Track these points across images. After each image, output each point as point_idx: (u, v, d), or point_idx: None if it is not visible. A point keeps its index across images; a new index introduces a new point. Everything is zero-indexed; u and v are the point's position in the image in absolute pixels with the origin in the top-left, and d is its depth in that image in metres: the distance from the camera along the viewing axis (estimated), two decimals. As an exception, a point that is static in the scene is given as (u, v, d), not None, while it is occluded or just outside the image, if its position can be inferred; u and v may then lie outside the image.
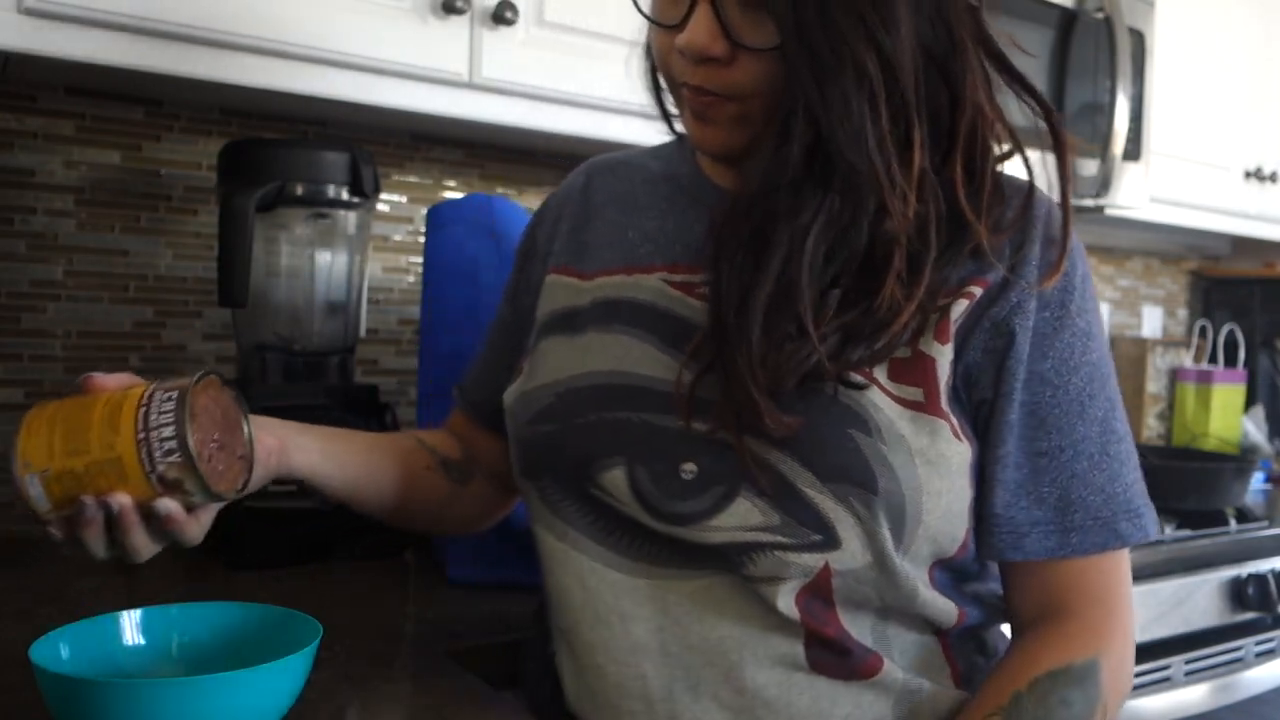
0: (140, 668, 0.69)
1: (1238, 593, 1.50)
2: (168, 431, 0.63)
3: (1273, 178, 2.10)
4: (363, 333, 1.27)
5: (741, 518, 0.69)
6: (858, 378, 0.69)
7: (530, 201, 1.58)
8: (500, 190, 1.56)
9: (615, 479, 0.73)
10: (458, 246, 1.11)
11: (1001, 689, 0.71)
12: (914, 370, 0.71)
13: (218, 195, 1.16)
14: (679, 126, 0.83)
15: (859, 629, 0.72)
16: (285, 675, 0.63)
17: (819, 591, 0.70)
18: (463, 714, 0.72)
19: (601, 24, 1.27)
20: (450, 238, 1.12)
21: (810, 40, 0.64)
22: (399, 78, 1.15)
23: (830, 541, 0.68)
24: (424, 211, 1.35)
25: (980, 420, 0.73)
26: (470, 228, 1.11)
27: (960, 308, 0.71)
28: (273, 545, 1.09)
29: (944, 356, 0.71)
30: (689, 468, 0.71)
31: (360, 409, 1.17)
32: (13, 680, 0.72)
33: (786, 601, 0.70)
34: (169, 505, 0.66)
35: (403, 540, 1.18)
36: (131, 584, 1.04)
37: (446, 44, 1.16)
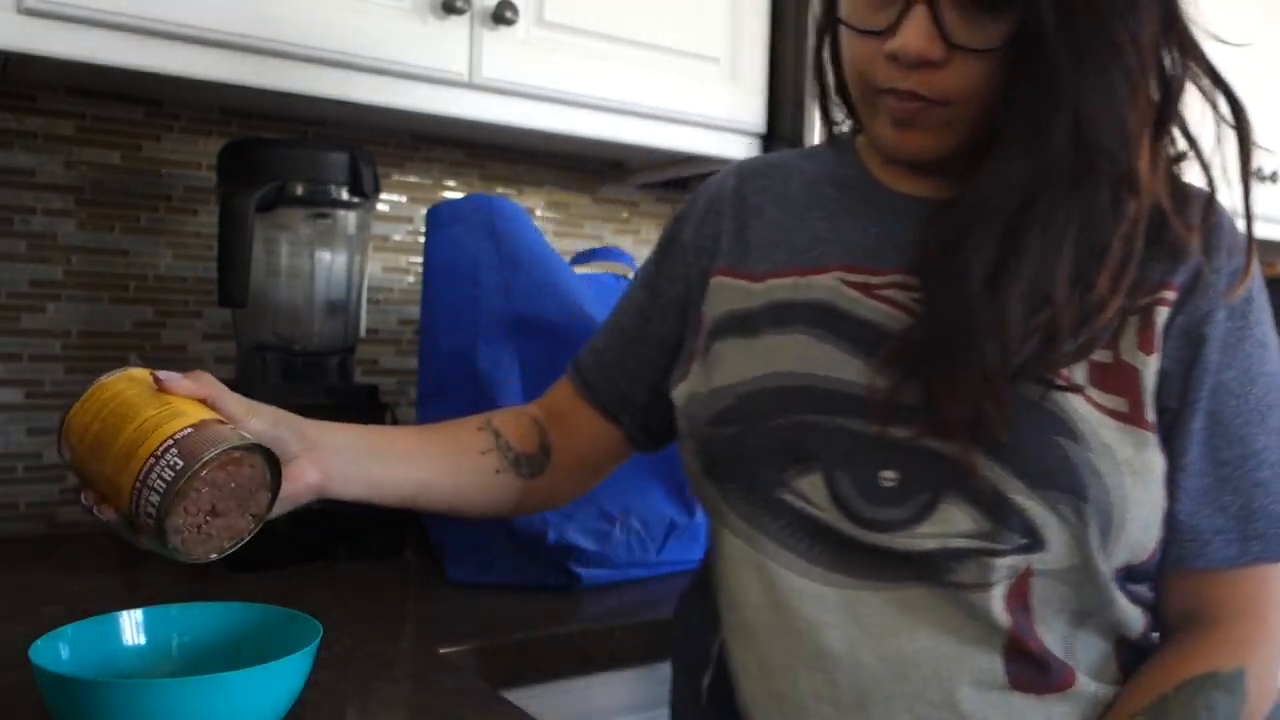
0: (140, 668, 0.69)
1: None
2: (154, 498, 0.64)
3: (1273, 177, 2.10)
4: (363, 333, 1.27)
5: (948, 524, 0.69)
6: (1069, 399, 0.69)
7: (530, 201, 1.58)
8: (500, 190, 1.56)
9: (814, 484, 0.72)
10: (458, 246, 1.11)
11: (1148, 690, 0.71)
12: (1116, 378, 0.71)
13: (218, 195, 1.16)
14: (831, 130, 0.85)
15: (1053, 639, 0.72)
16: (285, 675, 0.63)
17: (1020, 596, 0.70)
18: (463, 714, 0.72)
19: (601, 24, 1.27)
20: (450, 238, 1.12)
21: (1075, 30, 0.64)
22: (399, 78, 1.15)
23: (1036, 544, 0.69)
24: (424, 211, 1.35)
25: (1163, 427, 0.73)
26: (470, 228, 1.11)
27: (1163, 315, 0.72)
28: (273, 545, 1.09)
29: (1149, 367, 0.71)
30: (889, 474, 0.71)
31: (360, 409, 1.17)
32: (13, 680, 0.72)
33: (999, 606, 0.69)
34: (145, 543, 0.67)
35: (403, 540, 1.18)
36: (132, 584, 1.04)
37: (446, 44, 1.16)
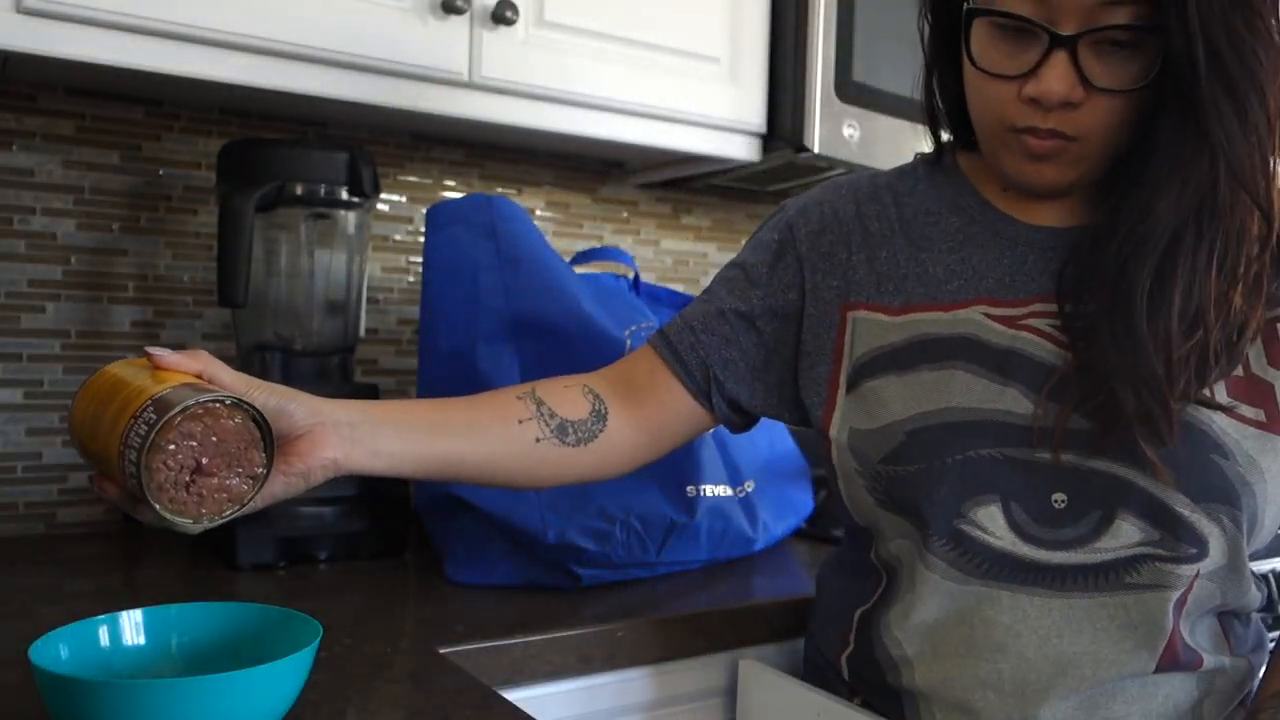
0: (140, 668, 0.69)
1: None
2: (132, 455, 0.63)
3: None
4: (362, 333, 1.27)
5: (1124, 537, 0.76)
6: (1217, 413, 0.77)
7: (530, 202, 1.58)
8: (500, 190, 1.56)
9: (991, 515, 0.78)
10: (457, 246, 1.11)
11: None
12: (1253, 392, 0.79)
13: (217, 195, 1.16)
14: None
15: (1188, 630, 0.80)
16: (285, 675, 0.63)
17: (1184, 600, 0.78)
18: (463, 714, 0.72)
19: (601, 24, 1.27)
20: (450, 238, 1.12)
21: (1224, 73, 0.69)
22: (399, 78, 1.15)
23: (1202, 553, 0.76)
24: (424, 211, 1.35)
25: None
26: (470, 228, 1.11)
27: None
28: (272, 545, 1.09)
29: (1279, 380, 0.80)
30: (1059, 497, 0.77)
31: (360, 409, 1.17)
32: (12, 680, 0.73)
33: (1170, 610, 0.77)
34: (146, 514, 0.67)
35: (403, 540, 1.18)
36: (132, 584, 1.04)
37: (446, 44, 1.16)
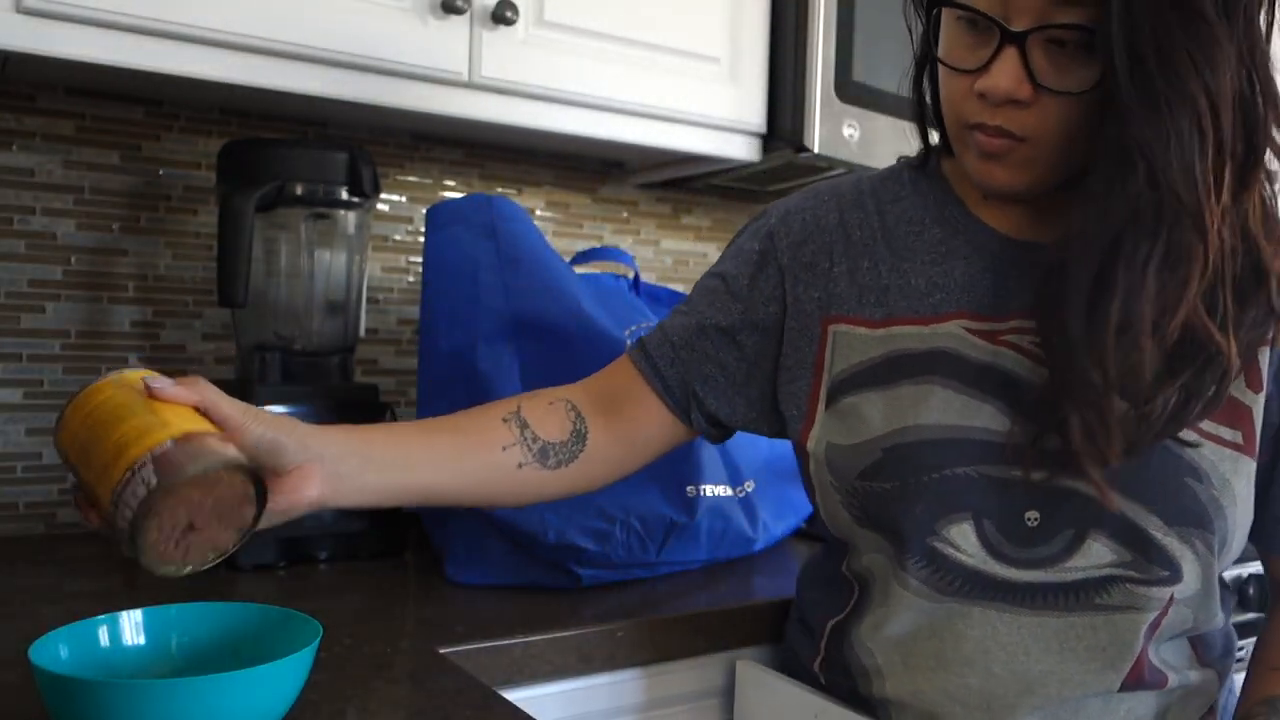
0: (140, 668, 0.69)
1: (1238, 593, 1.49)
2: (127, 514, 0.63)
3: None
4: (362, 333, 1.27)
5: (1095, 557, 0.77)
6: (1192, 436, 0.76)
7: (530, 201, 1.58)
8: (500, 190, 1.56)
9: (963, 533, 0.78)
10: (458, 246, 1.11)
11: None
12: (1230, 414, 0.78)
13: (217, 195, 1.16)
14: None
15: (1154, 652, 0.80)
16: (285, 675, 0.63)
17: (1157, 623, 0.78)
18: (463, 714, 0.72)
19: (601, 24, 1.27)
20: (450, 238, 1.12)
21: (1147, 80, 0.67)
22: (399, 78, 1.15)
23: (1175, 576, 0.77)
24: (424, 211, 1.35)
25: (1265, 440, 0.81)
26: (470, 227, 1.11)
27: (1265, 356, 0.80)
28: (272, 545, 1.09)
29: (1258, 404, 0.80)
30: (1032, 515, 0.77)
31: (360, 409, 1.17)
32: (12, 680, 0.72)
33: (1142, 632, 0.77)
34: (125, 551, 0.66)
35: (403, 540, 1.18)
36: (132, 584, 1.04)
37: (446, 44, 1.16)
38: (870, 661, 0.84)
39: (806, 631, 0.93)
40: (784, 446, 1.32)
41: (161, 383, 0.68)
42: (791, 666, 0.96)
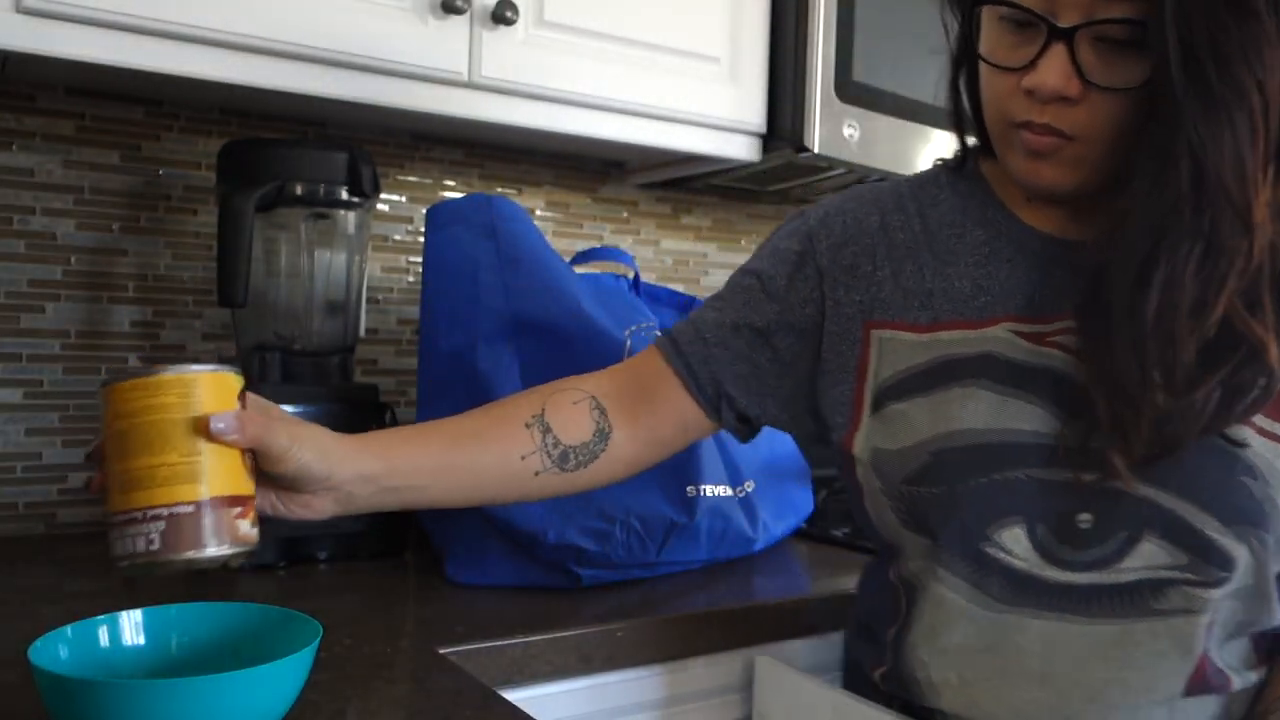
0: (140, 668, 0.69)
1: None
2: (118, 544, 0.67)
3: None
4: (362, 333, 1.27)
5: (1149, 558, 0.75)
6: (1244, 433, 0.75)
7: (530, 202, 1.58)
8: (500, 190, 1.56)
9: (1015, 537, 0.77)
10: (457, 246, 1.11)
11: None
12: (1277, 407, 0.76)
13: (217, 195, 1.16)
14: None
15: (1216, 652, 0.78)
16: (285, 675, 0.63)
17: (1210, 624, 0.77)
18: (463, 714, 0.72)
19: (601, 24, 1.27)
20: (450, 238, 1.11)
21: (1201, 75, 0.66)
22: (399, 78, 1.15)
23: (1231, 576, 0.75)
24: (424, 211, 1.35)
25: None
26: (470, 227, 1.11)
27: None
28: (272, 545, 1.09)
29: None
30: (1085, 517, 0.76)
31: (360, 409, 1.17)
32: (12, 680, 0.72)
33: (1201, 634, 0.76)
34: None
35: (403, 540, 1.18)
36: (131, 584, 1.04)
37: (446, 44, 1.16)
38: (925, 674, 0.83)
39: (870, 639, 0.91)
40: (784, 447, 1.32)
41: (224, 423, 0.67)
42: (855, 674, 0.94)
